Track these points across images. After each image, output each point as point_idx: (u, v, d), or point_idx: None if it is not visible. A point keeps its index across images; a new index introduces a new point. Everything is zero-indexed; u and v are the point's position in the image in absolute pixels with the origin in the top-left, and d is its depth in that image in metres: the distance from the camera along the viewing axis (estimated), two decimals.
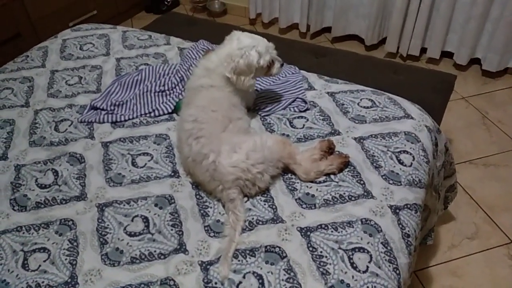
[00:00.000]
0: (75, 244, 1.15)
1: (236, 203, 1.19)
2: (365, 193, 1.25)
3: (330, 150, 1.35)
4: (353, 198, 1.23)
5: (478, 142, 2.39)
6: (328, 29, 3.27)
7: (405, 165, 1.33)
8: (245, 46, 1.38)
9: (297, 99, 1.59)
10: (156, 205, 1.24)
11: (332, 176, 1.29)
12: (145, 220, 1.20)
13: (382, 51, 3.10)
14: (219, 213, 1.22)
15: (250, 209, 1.21)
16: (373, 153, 1.37)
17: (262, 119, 1.53)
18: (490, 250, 1.87)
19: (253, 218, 1.19)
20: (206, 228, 1.18)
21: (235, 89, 1.42)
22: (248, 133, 1.40)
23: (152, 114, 1.57)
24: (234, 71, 1.37)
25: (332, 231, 1.14)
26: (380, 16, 2.96)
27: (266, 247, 1.11)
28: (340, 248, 1.10)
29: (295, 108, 1.56)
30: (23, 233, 1.18)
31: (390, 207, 1.21)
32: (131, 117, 1.56)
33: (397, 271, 1.09)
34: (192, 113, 1.33)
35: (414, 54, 2.98)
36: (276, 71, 1.47)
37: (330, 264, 1.07)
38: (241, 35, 1.42)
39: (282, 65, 1.49)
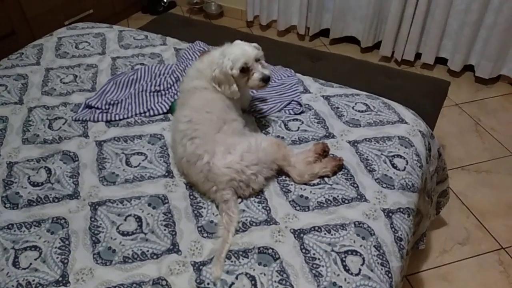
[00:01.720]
0: (67, 242, 1.14)
1: (230, 204, 1.19)
2: (359, 196, 1.25)
3: (324, 153, 1.35)
4: (346, 201, 1.24)
5: (470, 149, 2.41)
6: (325, 32, 3.29)
7: (399, 169, 1.34)
8: (226, 54, 1.35)
9: (293, 102, 1.59)
10: (149, 204, 1.23)
11: (326, 179, 1.30)
12: (138, 219, 1.19)
13: (377, 55, 3.12)
14: (213, 214, 1.21)
15: (244, 210, 1.21)
16: (367, 156, 1.38)
17: (257, 121, 1.53)
18: (481, 256, 1.88)
19: (246, 219, 1.19)
20: (199, 229, 1.17)
21: None
22: (243, 134, 1.40)
23: (147, 114, 1.56)
24: (213, 80, 1.37)
25: (325, 234, 1.15)
26: (375, 20, 2.99)
27: (259, 248, 1.11)
28: (333, 250, 1.11)
29: (290, 110, 1.56)
30: (14, 230, 1.17)
31: (383, 210, 1.22)
32: (125, 116, 1.55)
33: (389, 274, 1.09)
34: (186, 114, 1.33)
35: (408, 59, 3.01)
36: (252, 83, 1.37)
37: (322, 266, 1.07)
38: (239, 44, 1.39)
39: (264, 80, 1.36)
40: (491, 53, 2.72)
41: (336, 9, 3.07)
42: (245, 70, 1.36)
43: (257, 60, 1.37)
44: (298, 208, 1.22)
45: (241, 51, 1.36)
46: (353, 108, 1.58)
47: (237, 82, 1.37)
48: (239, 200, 1.24)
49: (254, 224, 1.18)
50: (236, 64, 1.34)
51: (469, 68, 2.93)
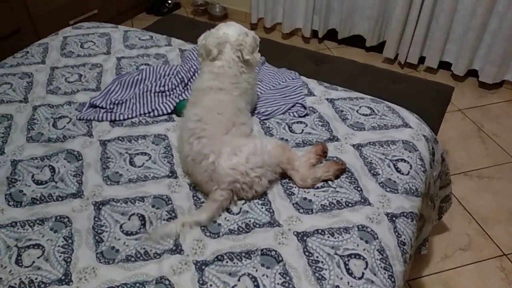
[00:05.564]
0: (70, 241, 1.14)
1: (211, 206, 1.18)
2: (362, 200, 1.25)
3: (324, 153, 1.35)
4: (350, 205, 1.23)
5: (473, 154, 2.41)
6: (331, 33, 3.29)
7: (403, 173, 1.34)
8: (238, 33, 1.43)
9: (297, 104, 1.59)
10: (153, 206, 1.23)
11: (329, 182, 1.30)
12: (142, 218, 1.19)
13: (381, 57, 3.12)
14: None
15: (247, 212, 1.21)
16: (371, 160, 1.37)
17: (262, 123, 1.53)
18: (482, 262, 1.88)
19: (250, 221, 1.19)
20: (202, 228, 1.17)
21: (242, 93, 1.43)
22: (249, 137, 1.40)
23: (151, 114, 1.57)
24: (249, 51, 1.43)
25: (328, 237, 1.14)
26: (381, 18, 2.99)
27: (262, 250, 1.11)
28: (336, 253, 1.11)
29: (295, 113, 1.57)
30: (18, 228, 1.17)
31: (387, 214, 1.21)
32: (130, 116, 1.55)
33: (392, 279, 1.09)
34: (197, 112, 1.34)
35: (412, 62, 3.01)
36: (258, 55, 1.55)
37: (326, 269, 1.07)
38: (218, 33, 1.44)
39: None
40: (495, 58, 2.72)
41: (345, 9, 3.07)
42: None
43: None
44: (301, 210, 1.22)
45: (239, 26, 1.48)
46: (357, 111, 1.58)
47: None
48: (242, 201, 1.24)
49: (257, 225, 1.18)
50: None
51: (472, 73, 2.93)
